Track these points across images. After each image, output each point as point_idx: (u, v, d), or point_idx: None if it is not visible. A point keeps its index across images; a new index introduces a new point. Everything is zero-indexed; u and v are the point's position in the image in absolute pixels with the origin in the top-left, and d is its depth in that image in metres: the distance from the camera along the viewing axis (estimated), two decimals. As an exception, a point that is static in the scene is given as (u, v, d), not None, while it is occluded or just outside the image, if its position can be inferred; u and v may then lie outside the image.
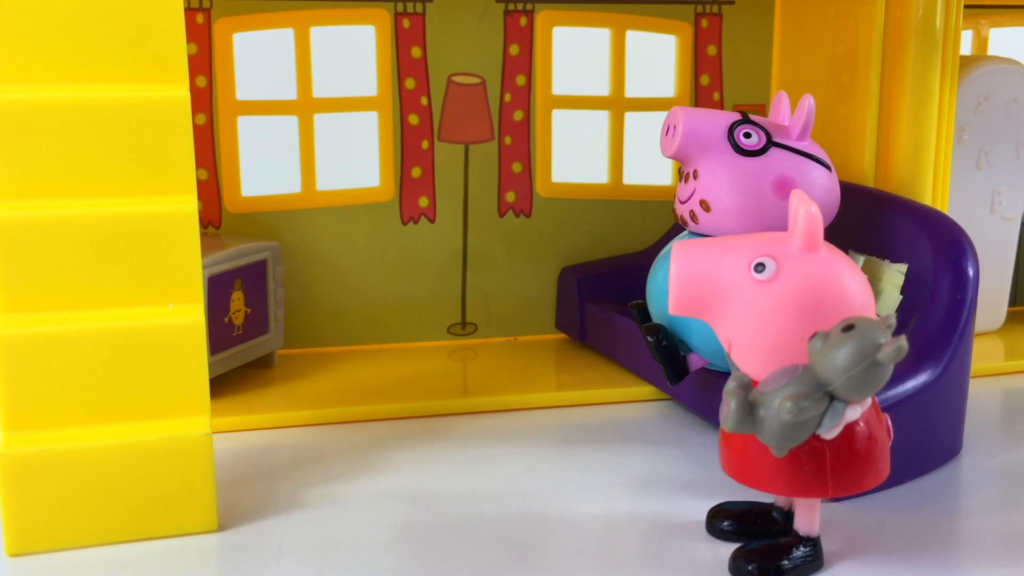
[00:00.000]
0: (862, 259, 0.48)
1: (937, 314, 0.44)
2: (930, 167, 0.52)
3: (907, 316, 0.46)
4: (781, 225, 0.45)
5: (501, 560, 0.38)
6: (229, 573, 0.37)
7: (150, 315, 0.38)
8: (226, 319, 0.52)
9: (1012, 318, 0.65)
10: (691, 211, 0.46)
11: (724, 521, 0.39)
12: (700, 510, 0.41)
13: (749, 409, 0.33)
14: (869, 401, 0.34)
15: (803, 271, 0.34)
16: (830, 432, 0.33)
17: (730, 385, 0.34)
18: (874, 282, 0.48)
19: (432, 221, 0.60)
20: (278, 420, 0.50)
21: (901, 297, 0.46)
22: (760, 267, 0.34)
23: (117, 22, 0.37)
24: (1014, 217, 0.61)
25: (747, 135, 0.45)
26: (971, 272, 0.45)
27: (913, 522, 0.40)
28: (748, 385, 0.34)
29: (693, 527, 0.40)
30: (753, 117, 0.46)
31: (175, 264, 0.38)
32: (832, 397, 0.33)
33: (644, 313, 0.49)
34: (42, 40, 0.37)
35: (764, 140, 0.45)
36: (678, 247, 0.36)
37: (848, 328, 0.32)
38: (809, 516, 0.37)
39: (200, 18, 0.56)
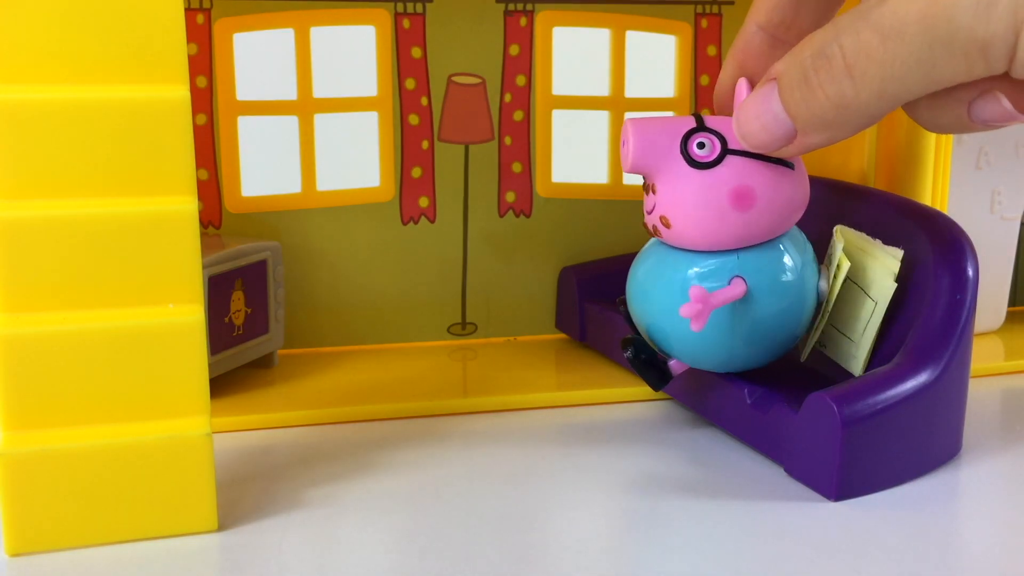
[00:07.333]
0: (847, 238, 0.47)
1: (937, 314, 0.44)
2: (930, 167, 0.52)
3: (907, 316, 0.46)
4: (742, 237, 0.44)
5: (501, 560, 0.38)
6: (229, 573, 0.37)
7: (150, 315, 0.38)
8: (226, 319, 0.52)
9: (1012, 318, 0.65)
10: (654, 225, 0.45)
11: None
12: (700, 510, 0.41)
13: None
14: None
15: None
16: None
17: None
18: (864, 256, 0.46)
19: (432, 221, 0.60)
20: (278, 420, 0.50)
21: (895, 284, 0.45)
22: None
23: (117, 22, 0.37)
24: (1014, 217, 0.61)
25: (700, 145, 0.43)
26: (971, 272, 0.45)
27: (913, 522, 0.40)
28: None
29: (693, 527, 0.40)
30: (708, 120, 0.44)
31: (175, 264, 0.38)
32: None
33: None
34: (42, 40, 0.37)
35: (719, 149, 0.43)
36: None
37: None
38: None
39: (200, 18, 0.56)
